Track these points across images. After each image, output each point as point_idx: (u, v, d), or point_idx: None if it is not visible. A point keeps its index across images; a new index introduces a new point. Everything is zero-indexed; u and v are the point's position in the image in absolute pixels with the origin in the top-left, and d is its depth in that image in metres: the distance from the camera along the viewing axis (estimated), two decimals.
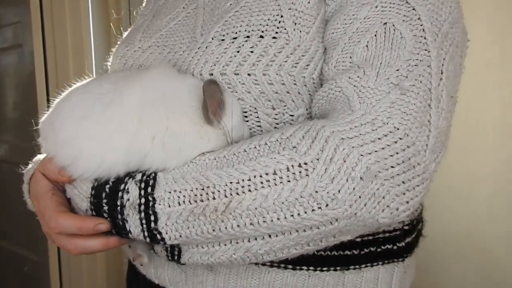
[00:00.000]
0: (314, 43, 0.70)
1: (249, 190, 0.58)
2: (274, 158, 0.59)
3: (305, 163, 0.57)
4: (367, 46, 0.65)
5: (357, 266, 0.75)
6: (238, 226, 0.59)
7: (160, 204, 0.61)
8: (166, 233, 0.61)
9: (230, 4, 0.75)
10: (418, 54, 0.63)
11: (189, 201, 0.60)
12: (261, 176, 0.58)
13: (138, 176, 0.63)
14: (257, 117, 0.71)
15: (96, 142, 0.63)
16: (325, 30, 0.72)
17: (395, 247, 0.77)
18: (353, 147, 0.57)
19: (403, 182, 0.58)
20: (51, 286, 2.51)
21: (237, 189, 0.58)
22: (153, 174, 0.63)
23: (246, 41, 0.70)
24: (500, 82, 1.52)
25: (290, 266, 0.74)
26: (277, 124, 0.72)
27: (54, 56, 2.33)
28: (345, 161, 0.56)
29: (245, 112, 0.71)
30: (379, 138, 0.58)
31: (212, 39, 0.72)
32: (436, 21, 0.65)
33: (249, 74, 0.69)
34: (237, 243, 0.61)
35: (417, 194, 0.60)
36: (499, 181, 1.56)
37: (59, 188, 0.71)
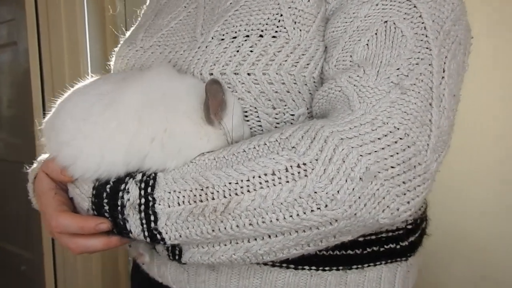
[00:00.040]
0: (314, 42, 0.70)
1: (248, 191, 0.58)
2: (273, 158, 0.58)
3: (304, 164, 0.57)
4: (367, 44, 0.65)
5: (359, 266, 0.75)
6: (237, 226, 0.59)
7: (160, 204, 0.61)
8: (166, 233, 0.62)
9: (230, 3, 0.74)
10: (419, 52, 0.62)
11: (189, 202, 0.60)
12: (259, 177, 0.58)
13: (138, 176, 0.64)
14: (258, 116, 0.71)
15: (96, 142, 0.64)
16: (326, 28, 0.71)
17: (398, 247, 0.76)
18: (352, 147, 0.57)
19: (403, 183, 0.58)
20: (45, 285, 2.51)
21: (236, 189, 0.58)
22: (153, 174, 0.63)
23: (245, 40, 0.69)
24: (495, 80, 1.53)
25: (292, 266, 0.74)
26: (277, 123, 0.71)
27: (49, 54, 2.33)
28: (344, 162, 0.56)
29: (246, 111, 0.70)
30: (379, 138, 0.57)
31: (212, 38, 0.72)
32: (438, 19, 0.64)
33: (248, 74, 0.68)
34: (237, 243, 0.61)
35: (418, 194, 0.60)
36: (495, 180, 1.57)
37: (62, 188, 0.71)
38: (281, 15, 0.69)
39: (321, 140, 0.58)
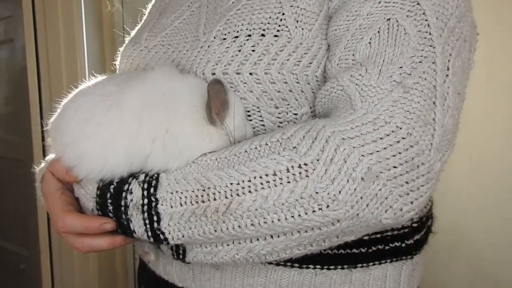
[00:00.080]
0: (317, 40, 0.70)
1: (249, 191, 0.58)
2: (274, 159, 0.58)
3: (305, 164, 0.57)
4: (369, 43, 0.64)
5: (364, 264, 0.75)
6: (239, 226, 0.59)
7: (162, 205, 0.61)
8: (169, 233, 0.62)
9: (232, 2, 0.74)
10: (422, 50, 0.61)
11: (191, 202, 0.60)
12: (261, 177, 0.58)
13: (141, 177, 0.64)
14: (260, 116, 0.71)
15: (100, 143, 0.64)
16: (328, 27, 0.70)
17: (403, 245, 0.76)
18: (354, 147, 0.56)
19: (406, 183, 0.58)
20: (42, 282, 2.51)
21: (237, 190, 0.58)
22: (156, 175, 0.64)
23: (247, 40, 0.69)
24: (481, 80, 1.54)
25: (296, 265, 0.74)
26: (280, 123, 0.71)
27: (46, 51, 2.32)
28: (345, 162, 0.56)
29: (248, 111, 0.70)
30: (380, 138, 0.57)
31: (214, 38, 0.72)
32: (442, 16, 0.63)
33: (250, 73, 0.68)
34: (240, 243, 0.62)
35: (422, 194, 0.59)
36: (495, 179, 1.58)
37: (68, 188, 0.72)
38: (283, 14, 0.69)
39: (323, 140, 0.57)
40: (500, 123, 1.56)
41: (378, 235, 0.74)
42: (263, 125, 0.71)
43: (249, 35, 0.69)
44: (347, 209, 0.56)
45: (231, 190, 0.59)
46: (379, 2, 0.65)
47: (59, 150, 0.69)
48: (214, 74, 0.69)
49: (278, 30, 0.69)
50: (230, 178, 0.59)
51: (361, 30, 0.66)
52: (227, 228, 0.59)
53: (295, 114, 0.71)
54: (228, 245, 0.62)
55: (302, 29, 0.69)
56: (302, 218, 0.57)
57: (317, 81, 0.70)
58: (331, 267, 0.74)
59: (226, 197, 0.59)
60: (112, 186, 0.65)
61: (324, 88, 0.67)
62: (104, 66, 2.30)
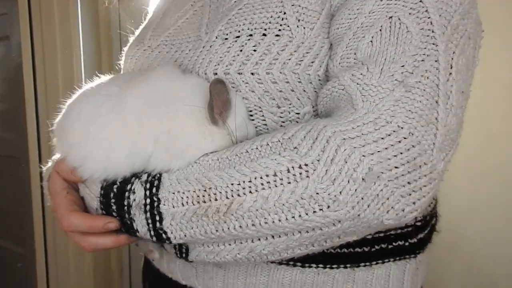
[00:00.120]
0: (319, 39, 0.69)
1: (250, 192, 0.58)
2: (275, 159, 0.58)
3: (306, 164, 0.57)
4: (371, 41, 0.63)
5: (367, 263, 0.74)
6: (240, 227, 0.59)
7: (164, 205, 0.62)
8: (171, 233, 0.62)
9: (234, 2, 0.74)
10: (425, 48, 0.60)
11: (192, 202, 0.61)
12: (261, 178, 0.58)
13: (144, 177, 0.65)
14: (262, 115, 0.71)
15: (102, 144, 0.65)
16: (331, 25, 0.70)
17: (407, 244, 0.76)
18: (355, 147, 0.56)
19: (408, 183, 0.57)
20: (37, 280, 2.50)
21: (238, 190, 0.59)
22: (158, 175, 0.64)
23: (249, 39, 0.69)
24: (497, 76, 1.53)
25: (299, 264, 0.74)
26: (283, 122, 0.71)
27: (42, 48, 2.31)
28: (346, 162, 0.56)
29: (250, 111, 0.70)
30: (382, 138, 0.56)
31: (216, 38, 0.72)
32: (445, 13, 0.62)
33: (252, 73, 0.68)
34: (241, 243, 0.62)
35: (425, 195, 0.59)
36: (490, 177, 1.58)
37: (74, 187, 0.73)
38: (284, 13, 0.69)
39: (323, 140, 0.57)
40: (500, 122, 1.56)
41: (382, 234, 0.74)
42: (266, 124, 0.71)
43: (251, 35, 0.69)
44: (348, 210, 0.56)
45: (232, 190, 0.59)
46: (381, 0, 0.65)
47: (64, 151, 0.70)
48: (216, 74, 0.69)
49: (279, 30, 0.69)
50: (231, 179, 0.59)
51: (363, 28, 0.65)
52: (228, 228, 0.59)
53: (298, 113, 0.71)
54: (230, 244, 0.63)
55: (304, 28, 0.69)
56: (303, 218, 0.57)
57: (319, 80, 0.70)
58: (334, 266, 0.74)
59: (227, 198, 0.59)
60: (115, 186, 0.65)
61: (326, 88, 0.67)
62: (100, 63, 2.29)
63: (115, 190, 0.65)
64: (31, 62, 2.35)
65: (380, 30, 0.63)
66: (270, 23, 0.69)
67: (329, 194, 0.56)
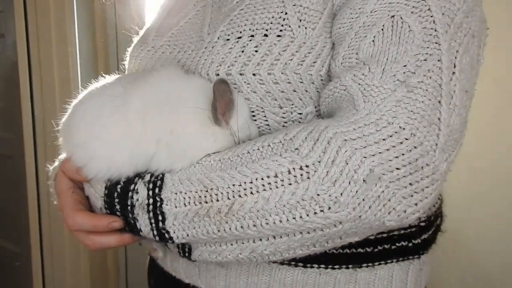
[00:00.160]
0: (321, 39, 0.69)
1: (251, 193, 0.58)
2: (276, 160, 0.58)
3: (307, 166, 0.57)
4: (373, 41, 0.63)
5: (370, 264, 0.74)
6: (241, 227, 0.59)
7: (167, 205, 0.62)
8: (174, 233, 0.63)
9: (236, 2, 0.74)
10: (427, 48, 0.60)
11: (194, 203, 0.61)
12: (262, 179, 0.58)
13: (147, 177, 0.65)
14: (265, 116, 0.71)
15: (106, 144, 0.65)
16: (333, 25, 0.70)
17: (410, 244, 0.75)
18: (356, 148, 0.56)
19: (410, 184, 0.57)
20: (33, 279, 2.49)
21: (239, 191, 0.59)
22: (161, 175, 0.65)
23: (250, 40, 0.69)
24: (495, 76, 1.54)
25: (300, 264, 0.74)
26: (285, 122, 0.71)
27: (37, 46, 2.30)
28: (347, 164, 0.55)
29: (252, 111, 0.70)
30: (383, 139, 0.56)
31: (218, 38, 0.72)
32: (449, 11, 0.61)
33: (254, 74, 0.68)
34: (243, 243, 0.62)
35: (427, 196, 0.58)
36: (486, 176, 1.59)
37: (80, 187, 0.74)
38: (286, 13, 0.69)
39: (324, 141, 0.57)
40: (497, 120, 1.56)
41: (384, 235, 0.73)
42: (268, 125, 0.71)
43: (252, 36, 0.69)
44: (349, 211, 0.56)
45: (233, 191, 0.59)
46: None
47: (70, 150, 0.70)
48: (218, 75, 0.70)
49: (281, 30, 0.68)
50: (232, 180, 0.59)
51: (365, 28, 0.65)
52: (230, 229, 0.60)
53: (300, 113, 0.71)
54: (231, 244, 0.63)
55: (305, 28, 0.68)
56: (304, 219, 0.57)
57: (321, 80, 0.70)
58: (336, 266, 0.74)
59: (228, 198, 0.59)
60: (119, 186, 0.66)
61: (327, 88, 0.67)
62: (96, 61, 2.28)
63: (118, 190, 0.66)
64: (27, 60, 2.33)
65: (382, 29, 0.63)
66: (271, 23, 0.69)
67: (330, 196, 0.56)
